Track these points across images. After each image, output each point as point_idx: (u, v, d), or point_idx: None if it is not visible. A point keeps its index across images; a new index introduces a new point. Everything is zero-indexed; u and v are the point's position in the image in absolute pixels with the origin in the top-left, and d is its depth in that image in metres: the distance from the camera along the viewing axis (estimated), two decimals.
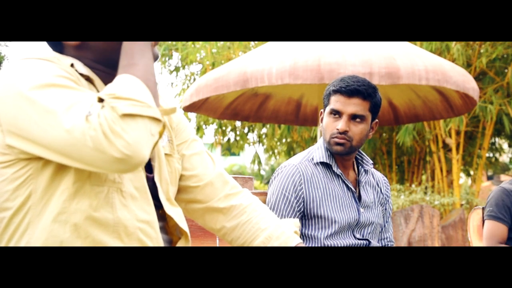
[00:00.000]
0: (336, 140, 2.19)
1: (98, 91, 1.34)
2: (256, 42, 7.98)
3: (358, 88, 2.17)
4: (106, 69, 1.37)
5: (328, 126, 2.22)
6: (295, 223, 1.65)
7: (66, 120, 1.13)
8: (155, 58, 1.37)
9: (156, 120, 1.18)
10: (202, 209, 1.58)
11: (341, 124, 2.18)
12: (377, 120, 2.28)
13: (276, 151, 10.03)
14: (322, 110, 2.30)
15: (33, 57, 1.27)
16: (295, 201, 2.19)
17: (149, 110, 1.17)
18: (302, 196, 2.19)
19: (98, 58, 1.37)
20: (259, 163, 9.40)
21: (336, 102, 2.19)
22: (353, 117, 2.19)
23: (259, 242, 1.54)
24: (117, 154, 1.12)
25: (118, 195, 1.30)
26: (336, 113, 2.20)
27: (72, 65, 1.31)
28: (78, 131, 1.12)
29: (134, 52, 1.26)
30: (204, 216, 1.59)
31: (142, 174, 1.37)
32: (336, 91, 2.20)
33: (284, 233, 1.55)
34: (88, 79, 1.33)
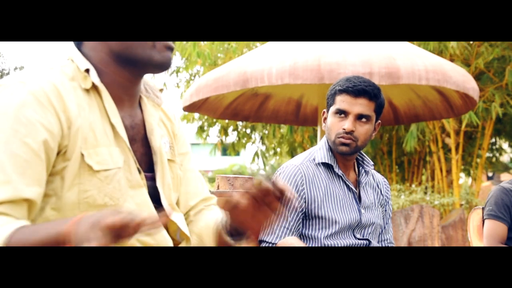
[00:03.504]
0: (342, 140, 2.19)
1: (103, 102, 1.33)
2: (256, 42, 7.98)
3: (365, 88, 2.16)
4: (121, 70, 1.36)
5: (333, 125, 2.21)
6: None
7: None
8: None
9: None
10: None
11: (347, 124, 2.17)
12: (379, 121, 2.28)
13: (275, 151, 10.03)
14: (325, 110, 2.28)
15: (35, 79, 1.26)
16: (297, 201, 2.18)
17: None
18: (304, 196, 2.19)
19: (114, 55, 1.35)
20: (264, 157, 9.33)
21: (342, 102, 2.18)
22: (359, 117, 2.18)
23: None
24: None
25: None
26: (342, 113, 2.19)
27: (87, 71, 1.31)
28: None
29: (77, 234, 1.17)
30: None
31: (143, 190, 1.36)
32: (342, 91, 2.18)
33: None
34: (95, 88, 1.33)
